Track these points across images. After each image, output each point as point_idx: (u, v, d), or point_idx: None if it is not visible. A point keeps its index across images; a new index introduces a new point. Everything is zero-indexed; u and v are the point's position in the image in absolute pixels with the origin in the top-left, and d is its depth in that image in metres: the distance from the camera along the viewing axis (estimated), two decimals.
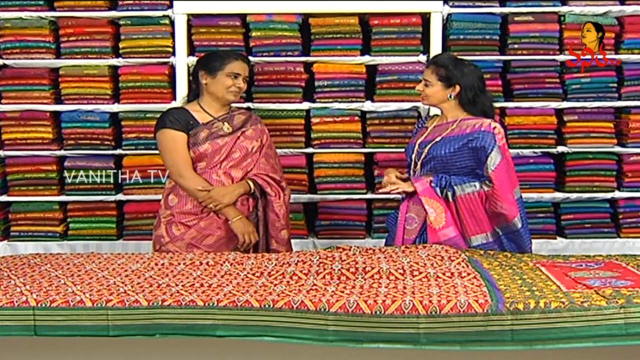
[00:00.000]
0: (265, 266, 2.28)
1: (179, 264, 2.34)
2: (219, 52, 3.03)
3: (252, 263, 2.33)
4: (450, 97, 2.80)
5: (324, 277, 2.15)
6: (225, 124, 2.93)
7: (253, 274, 2.20)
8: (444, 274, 2.14)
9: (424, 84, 2.84)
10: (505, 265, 2.27)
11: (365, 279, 2.11)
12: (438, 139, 2.80)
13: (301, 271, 2.20)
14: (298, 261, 2.31)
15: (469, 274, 2.12)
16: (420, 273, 2.15)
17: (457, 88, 2.79)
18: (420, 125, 3.02)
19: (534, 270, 2.19)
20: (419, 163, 2.84)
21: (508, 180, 2.71)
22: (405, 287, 2.00)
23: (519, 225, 2.71)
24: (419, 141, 2.88)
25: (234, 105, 3.05)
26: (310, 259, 2.32)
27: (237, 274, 2.21)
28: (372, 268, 2.19)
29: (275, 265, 2.29)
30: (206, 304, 1.89)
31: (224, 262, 2.35)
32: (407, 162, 2.96)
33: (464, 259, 2.29)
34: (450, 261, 2.26)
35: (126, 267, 2.31)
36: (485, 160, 2.68)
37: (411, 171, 2.88)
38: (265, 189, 2.92)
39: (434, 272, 2.15)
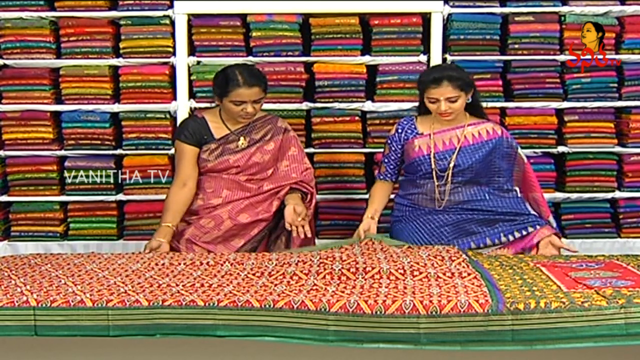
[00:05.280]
0: (266, 266, 2.28)
1: (179, 264, 2.34)
2: (227, 74, 2.80)
3: (253, 263, 2.33)
4: (469, 100, 2.83)
5: (324, 277, 2.15)
6: (242, 138, 2.90)
7: (253, 274, 2.20)
8: (444, 274, 2.14)
9: (448, 101, 2.74)
10: (505, 266, 2.27)
11: (365, 279, 2.11)
12: (459, 148, 2.81)
13: (301, 271, 2.20)
14: (298, 261, 2.31)
15: (469, 274, 2.12)
16: (421, 273, 2.15)
17: (472, 90, 2.83)
18: (410, 132, 2.88)
19: (534, 271, 2.19)
20: (449, 174, 2.80)
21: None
22: (405, 287, 2.00)
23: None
24: (433, 152, 2.82)
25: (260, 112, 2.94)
26: (310, 259, 2.32)
27: (238, 274, 2.21)
28: (373, 268, 2.19)
29: (276, 265, 2.29)
30: (206, 304, 1.89)
31: (224, 262, 2.35)
32: (418, 171, 2.85)
33: (464, 259, 2.29)
34: (451, 261, 2.26)
35: (126, 267, 2.31)
36: (515, 156, 2.89)
37: (434, 181, 2.81)
38: (307, 193, 2.96)
39: (434, 272, 2.15)
